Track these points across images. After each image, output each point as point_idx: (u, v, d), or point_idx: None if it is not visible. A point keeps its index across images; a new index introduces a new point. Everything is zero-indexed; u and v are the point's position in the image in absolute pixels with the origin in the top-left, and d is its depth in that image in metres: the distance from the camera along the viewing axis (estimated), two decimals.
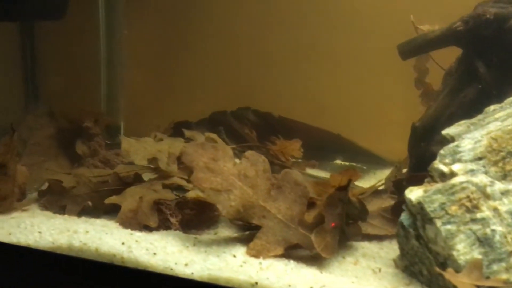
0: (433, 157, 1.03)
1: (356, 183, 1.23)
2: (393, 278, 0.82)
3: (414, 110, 1.30)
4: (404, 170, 1.19)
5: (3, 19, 1.16)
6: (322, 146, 1.32)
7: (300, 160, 1.21)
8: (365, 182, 1.30)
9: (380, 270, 0.84)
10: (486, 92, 1.04)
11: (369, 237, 0.95)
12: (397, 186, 0.99)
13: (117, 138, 1.49)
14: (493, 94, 1.02)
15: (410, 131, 1.13)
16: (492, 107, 0.89)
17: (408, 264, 0.82)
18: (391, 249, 0.91)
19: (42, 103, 1.45)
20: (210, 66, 1.47)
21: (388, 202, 1.00)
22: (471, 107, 1.05)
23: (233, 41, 1.43)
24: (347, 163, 1.39)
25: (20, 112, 1.49)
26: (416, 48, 1.13)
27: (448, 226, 0.74)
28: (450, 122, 1.06)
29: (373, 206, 1.00)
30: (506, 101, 0.90)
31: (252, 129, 1.25)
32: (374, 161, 1.37)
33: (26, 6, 1.08)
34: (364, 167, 1.38)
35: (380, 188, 1.04)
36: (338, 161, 1.40)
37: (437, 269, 0.71)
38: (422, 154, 1.10)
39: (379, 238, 0.95)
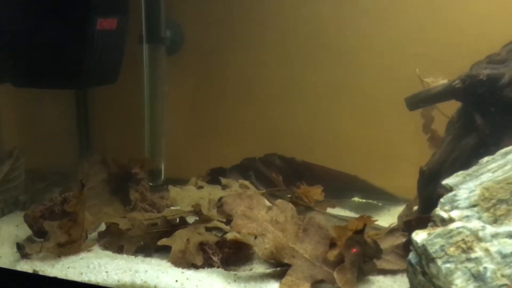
0: (439, 198, 1.18)
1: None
2: None
3: (425, 151, 1.45)
4: (415, 208, 1.34)
5: (72, 88, 1.38)
6: (341, 186, 1.47)
7: (322, 201, 1.37)
8: (380, 218, 1.45)
9: None
10: (484, 141, 1.19)
11: (384, 272, 1.09)
12: (408, 226, 1.14)
13: (160, 180, 1.68)
14: (490, 143, 1.17)
15: (419, 174, 1.29)
16: (485, 159, 1.04)
17: None
18: (403, 282, 1.05)
19: (95, 152, 1.66)
20: (242, 115, 1.65)
21: (400, 239, 1.15)
22: (471, 154, 1.20)
23: (261, 93, 1.62)
24: (364, 201, 1.54)
25: (75, 158, 1.70)
26: (421, 101, 1.29)
27: (448, 265, 0.88)
28: (453, 167, 1.22)
29: (387, 243, 1.15)
30: (497, 153, 1.04)
31: (279, 173, 1.42)
32: (388, 198, 1.51)
33: (89, 76, 1.30)
34: (380, 204, 1.53)
35: (394, 226, 1.20)
36: (356, 199, 1.55)
37: None
38: (429, 196, 1.24)
39: (393, 272, 1.09)
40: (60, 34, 1.24)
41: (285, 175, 1.44)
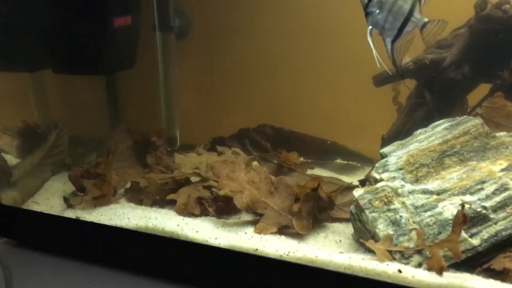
0: None
1: (348, 177, 1.66)
2: (348, 246, 1.25)
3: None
4: None
5: (97, 74, 1.72)
6: (323, 151, 1.74)
7: (303, 163, 1.65)
8: (357, 176, 1.71)
9: (340, 241, 1.27)
10: (431, 113, 1.42)
11: (341, 220, 1.37)
12: (362, 183, 1.41)
13: (176, 146, 2.01)
14: (435, 115, 1.40)
15: (381, 141, 1.54)
16: (418, 131, 1.28)
17: (358, 238, 1.24)
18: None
19: (122, 122, 2.00)
20: (242, 89, 1.93)
21: None
22: (421, 124, 1.42)
23: (259, 70, 1.88)
24: (345, 162, 1.81)
25: (106, 128, 2.04)
26: (384, 79, 1.52)
27: (373, 214, 1.16)
28: (407, 135, 1.44)
29: (347, 197, 1.42)
30: (430, 126, 1.28)
31: (268, 141, 1.70)
32: (366, 160, 1.77)
33: (110, 64, 1.62)
34: (358, 165, 1.79)
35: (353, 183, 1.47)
36: (338, 161, 1.81)
37: (361, 240, 1.14)
38: None
39: (347, 220, 1.36)
40: (86, 32, 1.55)
41: (275, 143, 1.72)
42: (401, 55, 1.09)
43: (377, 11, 1.07)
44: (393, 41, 1.10)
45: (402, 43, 1.09)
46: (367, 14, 1.10)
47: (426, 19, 1.08)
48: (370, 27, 1.11)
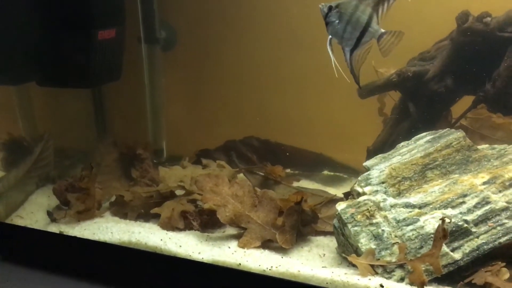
0: None
1: (335, 189, 1.66)
2: (331, 260, 1.24)
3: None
4: None
5: (82, 87, 1.71)
6: (309, 162, 1.74)
7: (288, 175, 1.64)
8: (344, 188, 1.71)
9: (324, 255, 1.26)
10: (415, 125, 1.42)
11: (325, 233, 1.37)
12: (347, 196, 1.40)
13: (162, 158, 2.00)
14: (419, 126, 1.40)
15: (366, 153, 1.53)
16: (401, 144, 1.28)
17: (341, 251, 1.23)
18: None
19: (108, 135, 1.98)
20: (228, 101, 1.93)
21: None
22: (406, 136, 1.43)
23: (244, 82, 1.88)
24: (332, 174, 1.80)
25: (93, 141, 2.03)
26: (369, 92, 1.52)
27: (356, 228, 1.15)
28: (392, 146, 1.45)
29: (332, 210, 1.42)
30: (413, 139, 1.28)
31: (254, 153, 1.69)
32: (353, 171, 1.76)
33: (95, 77, 1.61)
34: (345, 176, 1.79)
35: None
36: (326, 172, 1.81)
37: (343, 255, 1.14)
38: None
39: (332, 233, 1.35)
40: (71, 45, 1.54)
41: (261, 155, 1.72)
42: (359, 64, 1.10)
43: (337, 21, 1.09)
44: (351, 51, 1.11)
45: (360, 52, 1.10)
46: (327, 24, 1.12)
47: (383, 30, 1.09)
48: (330, 36, 1.12)
